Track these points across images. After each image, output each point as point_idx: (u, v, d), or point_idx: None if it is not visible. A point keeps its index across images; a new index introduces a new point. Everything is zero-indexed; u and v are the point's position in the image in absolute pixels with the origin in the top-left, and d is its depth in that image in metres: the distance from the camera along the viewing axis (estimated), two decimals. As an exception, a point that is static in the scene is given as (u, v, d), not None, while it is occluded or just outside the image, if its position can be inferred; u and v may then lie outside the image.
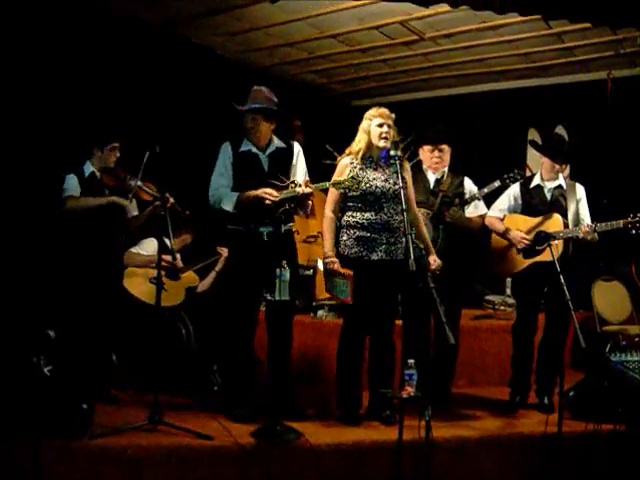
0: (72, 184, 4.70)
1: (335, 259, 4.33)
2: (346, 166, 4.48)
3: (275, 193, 4.27)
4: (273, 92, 4.49)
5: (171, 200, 4.76)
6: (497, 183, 4.89)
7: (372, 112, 4.47)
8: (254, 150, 4.45)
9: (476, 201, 4.97)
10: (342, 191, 4.37)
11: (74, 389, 3.95)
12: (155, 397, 4.02)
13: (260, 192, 4.27)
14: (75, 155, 4.85)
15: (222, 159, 4.48)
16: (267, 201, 4.25)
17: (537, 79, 7.59)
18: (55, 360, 4.29)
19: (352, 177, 4.29)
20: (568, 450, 4.10)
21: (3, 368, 3.98)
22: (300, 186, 4.32)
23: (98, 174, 4.80)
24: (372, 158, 4.50)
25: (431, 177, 5.03)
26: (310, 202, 4.54)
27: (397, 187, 4.33)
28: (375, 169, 4.48)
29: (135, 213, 4.97)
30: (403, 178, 4.28)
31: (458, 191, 4.98)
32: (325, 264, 4.37)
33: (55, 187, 4.73)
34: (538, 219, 4.86)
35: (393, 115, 4.48)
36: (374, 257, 4.38)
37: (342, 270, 4.27)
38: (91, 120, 5.42)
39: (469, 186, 5.05)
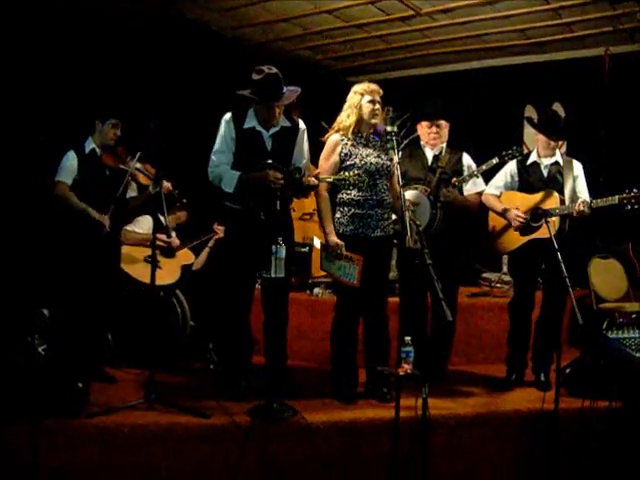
0: (69, 164, 4.61)
1: (341, 242, 4.30)
2: (337, 143, 4.43)
3: (279, 177, 4.22)
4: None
5: (168, 186, 4.71)
6: (495, 160, 4.84)
7: (363, 87, 4.41)
8: (258, 128, 4.34)
9: (474, 178, 4.94)
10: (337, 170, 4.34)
11: (69, 368, 3.94)
12: (151, 376, 4.02)
13: (264, 176, 4.20)
14: (77, 130, 4.78)
15: (224, 135, 4.35)
16: (272, 185, 4.19)
17: (534, 55, 7.54)
18: (50, 339, 4.28)
19: (358, 174, 4.23)
20: (564, 427, 4.10)
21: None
22: (304, 175, 4.28)
23: (99, 151, 4.71)
24: (361, 134, 4.46)
25: (429, 153, 5.00)
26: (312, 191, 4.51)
27: (389, 163, 4.36)
28: (366, 145, 4.45)
29: (134, 194, 4.92)
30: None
31: (456, 168, 4.95)
32: (331, 247, 4.31)
33: (51, 167, 4.67)
34: (535, 196, 4.83)
35: (381, 91, 4.43)
36: (371, 234, 4.37)
37: (350, 254, 4.25)
38: (93, 93, 5.42)
39: (467, 162, 5.02)
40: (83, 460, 3.64)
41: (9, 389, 3.68)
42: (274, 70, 4.21)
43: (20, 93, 5.32)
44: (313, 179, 4.27)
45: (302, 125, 4.51)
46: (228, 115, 4.38)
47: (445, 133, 5.02)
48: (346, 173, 4.28)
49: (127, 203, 4.85)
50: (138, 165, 4.70)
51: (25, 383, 3.71)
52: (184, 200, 4.94)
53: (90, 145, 4.71)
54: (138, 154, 4.58)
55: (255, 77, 4.19)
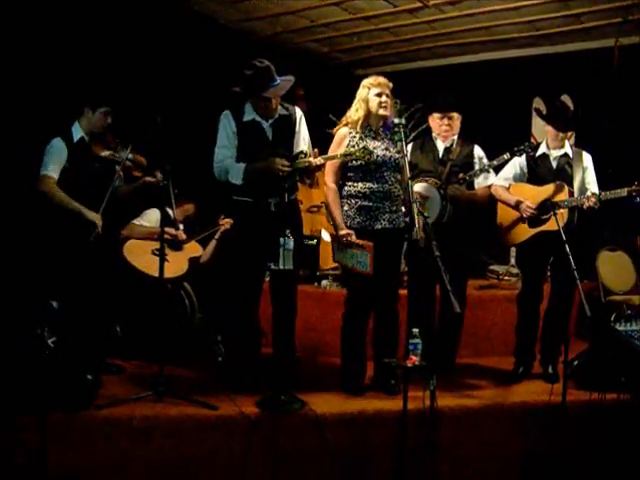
0: (58, 153, 4.44)
1: (351, 231, 4.29)
2: (344, 136, 4.44)
3: (287, 163, 4.23)
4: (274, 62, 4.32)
5: (158, 176, 4.61)
6: (507, 155, 4.82)
7: (370, 81, 4.42)
8: (257, 119, 4.36)
9: (485, 172, 4.93)
10: (343, 160, 4.33)
11: (78, 360, 3.96)
12: (160, 368, 4.03)
13: (271, 163, 4.21)
14: (64, 114, 4.65)
15: (224, 130, 4.39)
16: (280, 173, 4.20)
17: (543, 47, 7.50)
18: (59, 332, 4.29)
19: (364, 147, 4.24)
20: (572, 419, 4.10)
21: (7, 340, 3.98)
22: (310, 157, 4.29)
23: (87, 138, 4.57)
24: (370, 127, 4.46)
25: (440, 146, 4.99)
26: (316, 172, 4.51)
27: (398, 156, 4.36)
28: (374, 138, 4.44)
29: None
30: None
31: (468, 160, 4.93)
32: (341, 237, 4.30)
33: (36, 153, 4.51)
34: (544, 188, 4.81)
35: (391, 84, 4.43)
36: (377, 226, 4.37)
37: (360, 241, 4.24)
38: (87, 79, 5.34)
39: (479, 154, 5.00)
40: (91, 451, 3.65)
41: (18, 381, 3.70)
42: (265, 63, 4.22)
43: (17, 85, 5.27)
44: (318, 160, 4.27)
45: (299, 112, 4.52)
46: (227, 111, 4.40)
47: (457, 125, 5.00)
48: (352, 148, 4.29)
49: (116, 191, 4.68)
50: (130, 156, 4.64)
51: (34, 375, 3.72)
52: (175, 190, 4.81)
53: (78, 133, 4.54)
54: (130, 145, 4.53)
55: (247, 72, 4.21)
